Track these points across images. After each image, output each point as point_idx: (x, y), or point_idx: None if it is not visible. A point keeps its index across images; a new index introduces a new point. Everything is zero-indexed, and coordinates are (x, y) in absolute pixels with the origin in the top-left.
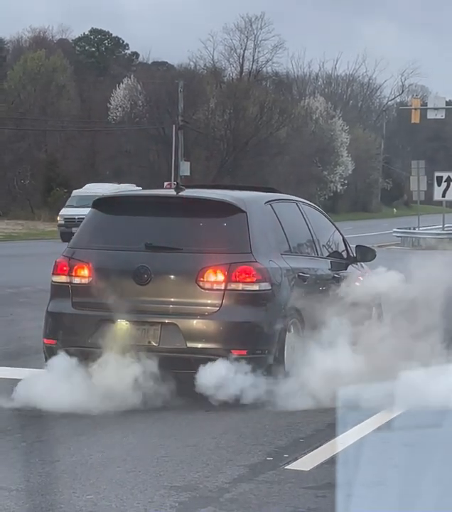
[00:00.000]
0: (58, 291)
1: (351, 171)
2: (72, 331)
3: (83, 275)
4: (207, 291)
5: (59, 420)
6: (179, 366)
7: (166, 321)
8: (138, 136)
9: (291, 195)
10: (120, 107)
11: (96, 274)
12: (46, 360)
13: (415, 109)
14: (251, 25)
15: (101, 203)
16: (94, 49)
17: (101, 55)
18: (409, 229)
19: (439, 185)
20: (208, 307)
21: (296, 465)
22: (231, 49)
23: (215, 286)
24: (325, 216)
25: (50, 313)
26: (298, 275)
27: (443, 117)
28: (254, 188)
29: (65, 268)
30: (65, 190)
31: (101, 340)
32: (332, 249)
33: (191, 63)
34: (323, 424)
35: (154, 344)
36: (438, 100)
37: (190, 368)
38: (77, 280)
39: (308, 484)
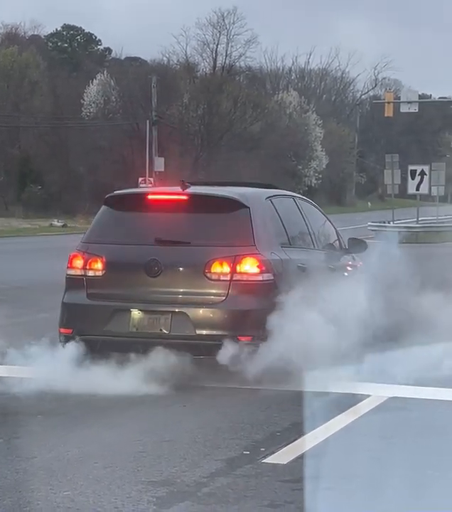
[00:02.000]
0: (73, 283)
1: (325, 165)
2: (88, 320)
3: (97, 268)
4: (214, 282)
5: (35, 417)
6: (189, 352)
7: (176, 310)
8: (112, 132)
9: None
10: (93, 102)
11: (109, 267)
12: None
13: (388, 102)
14: (223, 19)
15: (111, 201)
16: (66, 45)
17: (73, 51)
18: (384, 222)
19: (413, 178)
20: (215, 297)
21: (273, 458)
22: (204, 44)
23: (222, 277)
24: (319, 210)
25: (66, 304)
26: (298, 266)
27: (417, 111)
28: (253, 184)
29: (79, 262)
30: (39, 187)
31: (116, 328)
32: (326, 241)
33: (164, 58)
34: (299, 417)
35: (165, 332)
36: (411, 94)
37: (199, 354)
38: (91, 273)
39: (285, 477)
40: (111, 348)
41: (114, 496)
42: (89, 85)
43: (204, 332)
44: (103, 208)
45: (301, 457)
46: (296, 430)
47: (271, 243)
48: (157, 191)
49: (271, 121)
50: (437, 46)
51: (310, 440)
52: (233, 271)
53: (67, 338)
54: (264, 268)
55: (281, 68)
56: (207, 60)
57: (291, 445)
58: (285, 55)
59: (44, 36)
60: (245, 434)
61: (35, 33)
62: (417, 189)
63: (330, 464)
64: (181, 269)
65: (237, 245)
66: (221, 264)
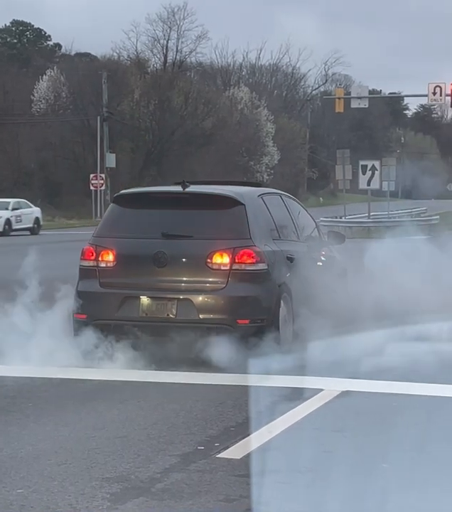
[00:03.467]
0: (86, 273)
1: (277, 160)
2: (101, 306)
3: (108, 260)
4: (215, 271)
5: None
6: (193, 334)
7: (181, 297)
8: (63, 129)
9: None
10: (43, 99)
11: (119, 258)
12: (75, 332)
13: (339, 98)
14: (173, 15)
15: (120, 199)
16: (15, 41)
17: (23, 46)
18: (336, 218)
19: (364, 173)
20: (216, 284)
21: (227, 453)
22: (154, 39)
23: (222, 267)
24: (302, 206)
25: (80, 292)
26: (287, 257)
27: (367, 106)
28: (244, 183)
29: (91, 254)
30: None
31: (127, 314)
32: (308, 234)
33: (114, 54)
34: (253, 412)
35: (172, 316)
36: (362, 89)
37: (202, 336)
38: (103, 264)
39: (240, 472)
40: (122, 332)
41: (68, 493)
42: (39, 81)
43: (207, 316)
44: (112, 205)
45: (255, 452)
46: (249, 425)
47: (264, 236)
48: (161, 190)
49: (223, 117)
50: (387, 42)
51: (263, 435)
52: (232, 261)
53: (82, 324)
54: (259, 259)
55: (231, 64)
56: (158, 56)
57: (245, 440)
58: (235, 51)
59: None
60: (199, 430)
61: None
62: (368, 184)
63: (283, 458)
64: (185, 260)
65: (235, 238)
66: (221, 255)
